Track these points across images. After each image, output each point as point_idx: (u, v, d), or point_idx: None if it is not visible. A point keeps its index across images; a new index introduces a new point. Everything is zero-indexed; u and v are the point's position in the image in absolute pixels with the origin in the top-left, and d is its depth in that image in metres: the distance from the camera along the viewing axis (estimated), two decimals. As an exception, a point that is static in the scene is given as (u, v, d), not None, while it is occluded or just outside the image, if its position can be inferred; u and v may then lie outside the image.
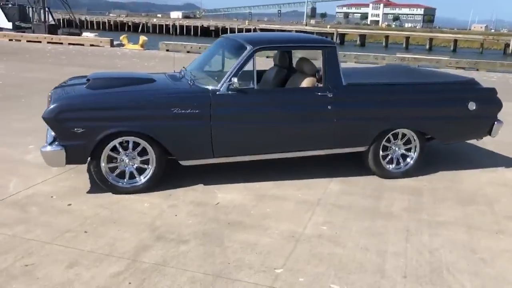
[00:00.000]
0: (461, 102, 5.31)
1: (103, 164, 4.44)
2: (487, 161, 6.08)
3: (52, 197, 4.44)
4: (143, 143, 4.49)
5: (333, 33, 62.24)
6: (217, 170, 5.17)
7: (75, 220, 3.97)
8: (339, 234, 3.92)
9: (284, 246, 3.68)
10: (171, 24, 74.15)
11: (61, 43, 21.97)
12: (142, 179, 4.59)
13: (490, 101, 5.48)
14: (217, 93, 4.56)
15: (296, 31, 65.77)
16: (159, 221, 4.02)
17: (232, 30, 69.87)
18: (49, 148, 4.26)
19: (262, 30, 68.83)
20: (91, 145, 4.30)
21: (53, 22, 27.48)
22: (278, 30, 68.02)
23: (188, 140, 4.55)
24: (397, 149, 5.31)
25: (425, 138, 5.33)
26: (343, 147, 5.08)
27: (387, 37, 65.40)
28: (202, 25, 73.16)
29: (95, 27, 77.00)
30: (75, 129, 4.24)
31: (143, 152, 4.55)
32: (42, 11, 26.55)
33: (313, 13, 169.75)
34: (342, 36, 64.04)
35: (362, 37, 65.52)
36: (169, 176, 4.93)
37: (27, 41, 22.49)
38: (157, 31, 71.93)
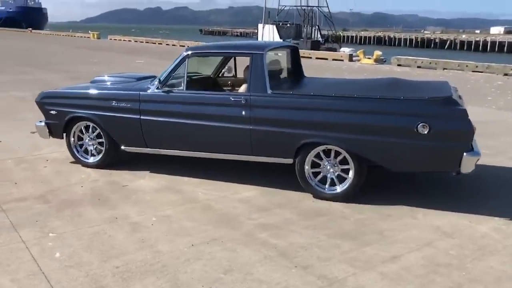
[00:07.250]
0: (407, 123, 4.34)
1: (72, 140, 5.76)
2: (485, 202, 4.60)
3: (47, 160, 6.03)
4: (99, 129, 5.59)
5: None
6: (179, 164, 5.77)
7: (26, 176, 5.42)
8: (150, 225, 4.14)
9: (94, 221, 4.23)
10: (481, 40, 69.10)
11: (310, 57, 24.25)
12: (92, 159, 5.72)
13: (453, 125, 4.25)
14: (148, 91, 5.25)
15: None
16: (65, 188, 5.07)
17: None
18: (39, 123, 5.88)
19: None
20: (62, 124, 5.68)
21: (319, 39, 30.37)
22: None
23: (123, 129, 5.40)
24: (329, 167, 4.75)
25: (362, 161, 4.58)
26: (264, 156, 4.93)
27: None
28: (513, 41, 65.33)
29: (401, 44, 78.77)
30: (51, 111, 5.71)
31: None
32: (312, 29, 29.71)
33: None
34: None
35: None
36: (136, 160, 5.86)
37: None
38: (465, 48, 68.25)
